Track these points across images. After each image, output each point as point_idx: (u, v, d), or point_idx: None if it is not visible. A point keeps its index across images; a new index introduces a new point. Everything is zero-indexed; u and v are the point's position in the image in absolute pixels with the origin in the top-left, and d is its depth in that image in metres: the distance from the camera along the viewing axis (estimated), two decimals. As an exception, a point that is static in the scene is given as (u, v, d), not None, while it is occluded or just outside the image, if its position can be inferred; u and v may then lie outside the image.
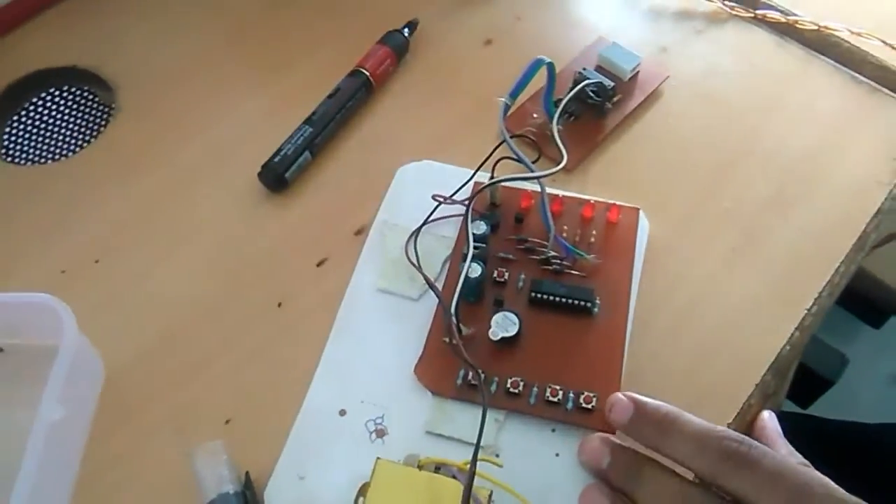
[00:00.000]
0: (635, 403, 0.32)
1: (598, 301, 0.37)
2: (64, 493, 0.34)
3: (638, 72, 0.46)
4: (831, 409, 0.66)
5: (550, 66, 0.40)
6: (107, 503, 0.34)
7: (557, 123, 0.41)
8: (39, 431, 0.32)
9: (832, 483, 0.29)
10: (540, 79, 0.40)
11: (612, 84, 0.44)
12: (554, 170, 0.38)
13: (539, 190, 0.38)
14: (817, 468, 0.30)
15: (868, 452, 0.56)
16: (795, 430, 0.62)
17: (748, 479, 0.29)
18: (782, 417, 0.50)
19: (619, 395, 0.33)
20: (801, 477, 0.29)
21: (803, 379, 0.70)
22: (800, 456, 0.35)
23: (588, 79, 0.43)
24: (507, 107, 0.38)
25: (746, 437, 0.30)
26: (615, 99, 0.44)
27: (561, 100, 0.42)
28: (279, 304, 0.39)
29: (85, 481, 0.35)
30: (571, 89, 0.43)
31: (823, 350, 0.75)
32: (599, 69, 0.45)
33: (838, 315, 0.77)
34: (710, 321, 0.38)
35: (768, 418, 0.37)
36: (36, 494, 0.31)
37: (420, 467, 0.31)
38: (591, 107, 0.44)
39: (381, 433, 0.35)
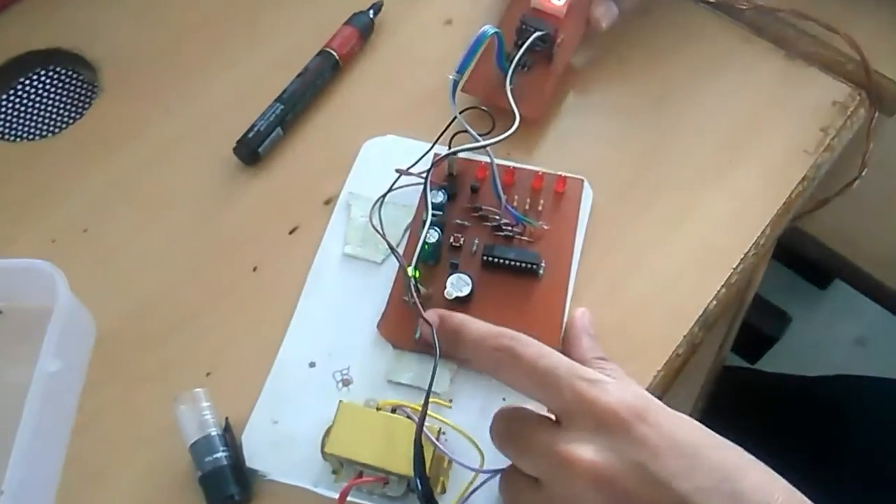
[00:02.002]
0: (439, 317, 0.36)
1: (543, 264, 0.41)
2: (62, 437, 0.38)
3: (570, 4, 0.47)
4: (777, 365, 0.71)
5: (498, 35, 0.43)
6: (100, 446, 0.38)
7: (511, 82, 0.44)
8: (39, 382, 0.35)
9: (581, 367, 0.33)
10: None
11: (555, 28, 0.46)
12: (499, 137, 0.40)
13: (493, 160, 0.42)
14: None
15: (805, 402, 0.61)
16: (741, 382, 0.67)
17: (514, 369, 0.33)
18: (729, 371, 0.55)
19: (430, 311, 0.37)
20: (553, 361, 0.33)
21: (750, 336, 0.75)
22: (600, 351, 0.37)
23: (530, 28, 0.46)
24: (456, 82, 0.41)
25: (518, 334, 0.34)
26: (559, 40, 0.47)
27: (513, 58, 0.45)
28: (254, 269, 0.43)
29: (80, 427, 0.39)
30: (519, 45, 0.45)
31: (768, 309, 0.80)
32: (535, 11, 0.47)
33: (786, 276, 0.82)
34: (645, 281, 0.42)
35: (578, 316, 0.39)
36: (37, 438, 0.35)
37: (378, 409, 0.35)
38: (540, 53, 0.47)
39: (346, 382, 0.39)
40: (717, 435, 0.32)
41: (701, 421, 0.33)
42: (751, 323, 0.69)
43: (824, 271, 0.78)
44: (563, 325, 0.40)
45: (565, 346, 0.38)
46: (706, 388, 0.60)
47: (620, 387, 0.32)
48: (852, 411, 0.61)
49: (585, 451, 0.30)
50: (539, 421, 0.33)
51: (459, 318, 0.36)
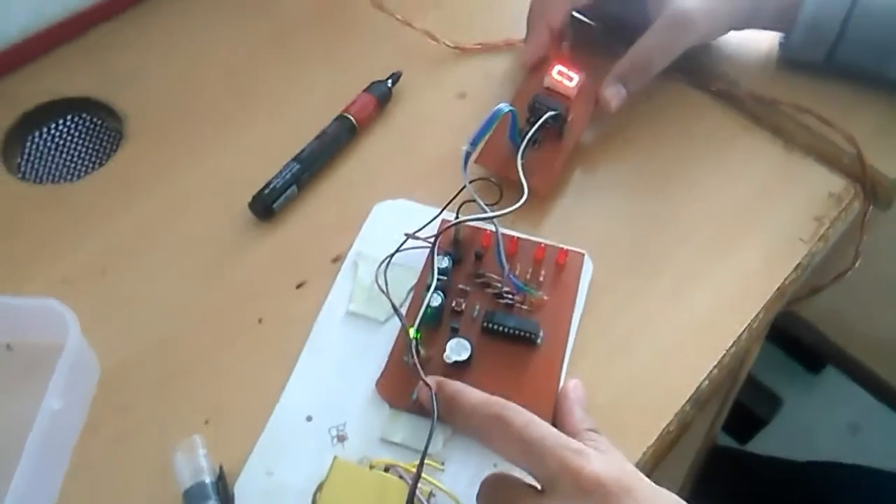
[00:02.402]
0: (437, 383, 0.38)
1: (541, 333, 0.42)
2: (58, 475, 0.38)
3: (581, 86, 0.50)
4: (767, 447, 0.71)
5: (512, 113, 0.45)
6: (95, 486, 0.39)
7: (522, 157, 0.46)
8: (43, 419, 0.36)
9: (568, 438, 0.33)
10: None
11: (566, 107, 0.48)
12: (507, 210, 0.42)
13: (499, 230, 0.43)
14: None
15: (795, 488, 0.61)
16: (731, 463, 0.67)
17: (503, 437, 0.34)
18: (719, 451, 0.55)
19: (430, 378, 0.38)
20: (541, 431, 0.34)
21: (741, 416, 0.75)
22: (591, 423, 0.38)
23: (542, 106, 0.48)
24: (469, 154, 0.43)
25: (509, 403, 0.35)
26: (570, 119, 0.49)
27: (526, 133, 0.47)
28: (260, 320, 0.44)
29: (77, 465, 0.39)
30: (531, 122, 0.48)
31: (760, 391, 0.80)
32: (547, 91, 0.50)
33: (779, 359, 0.83)
34: (640, 356, 0.43)
35: (571, 388, 0.40)
36: (36, 474, 0.35)
37: (371, 468, 0.36)
38: (551, 130, 0.49)
39: (341, 438, 0.40)
40: None
41: (688, 501, 0.33)
42: (742, 403, 0.69)
43: (817, 356, 0.79)
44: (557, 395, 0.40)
45: (557, 416, 0.39)
46: (696, 467, 0.60)
47: (605, 459, 0.33)
48: (843, 501, 0.61)
49: None
50: (524, 488, 0.34)
51: (455, 386, 0.37)
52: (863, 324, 0.67)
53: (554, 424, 0.35)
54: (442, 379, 0.38)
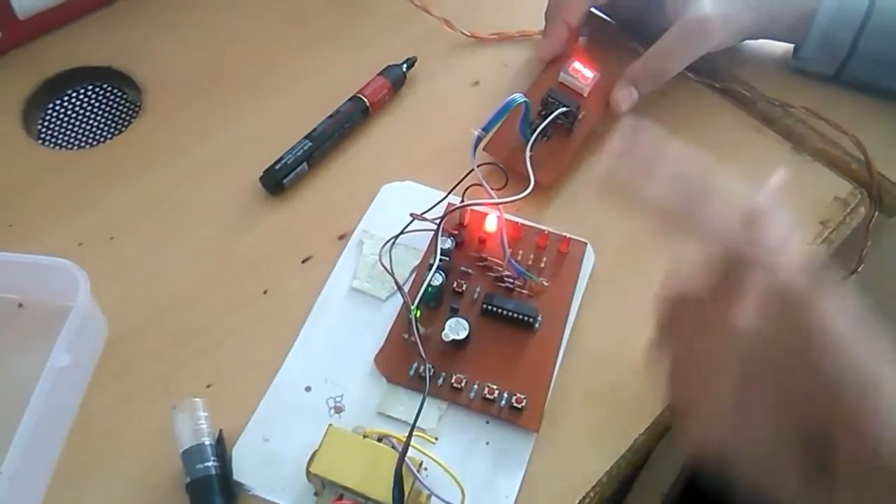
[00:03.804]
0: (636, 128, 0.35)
1: (539, 318, 0.43)
2: (62, 430, 0.40)
3: (595, 85, 0.51)
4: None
5: (526, 104, 0.45)
6: (97, 442, 0.40)
7: (531, 149, 0.47)
8: (49, 374, 0.37)
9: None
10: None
11: (578, 104, 0.49)
12: (512, 198, 0.43)
13: (503, 215, 0.44)
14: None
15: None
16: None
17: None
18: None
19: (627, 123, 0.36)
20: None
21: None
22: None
23: (555, 101, 0.49)
24: (479, 139, 0.44)
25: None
26: (581, 116, 0.50)
27: (537, 126, 0.48)
28: (265, 292, 0.45)
29: (80, 422, 0.40)
30: (543, 115, 0.48)
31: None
32: (561, 86, 0.51)
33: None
34: (636, 344, 0.43)
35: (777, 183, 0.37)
36: (39, 428, 0.36)
37: (365, 437, 0.37)
38: (561, 125, 0.50)
39: (338, 409, 0.41)
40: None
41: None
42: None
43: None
44: (553, 379, 0.41)
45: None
46: (689, 457, 0.60)
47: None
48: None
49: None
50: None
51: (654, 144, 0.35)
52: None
53: None
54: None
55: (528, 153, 0.46)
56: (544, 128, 0.48)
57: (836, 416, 0.29)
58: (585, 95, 0.51)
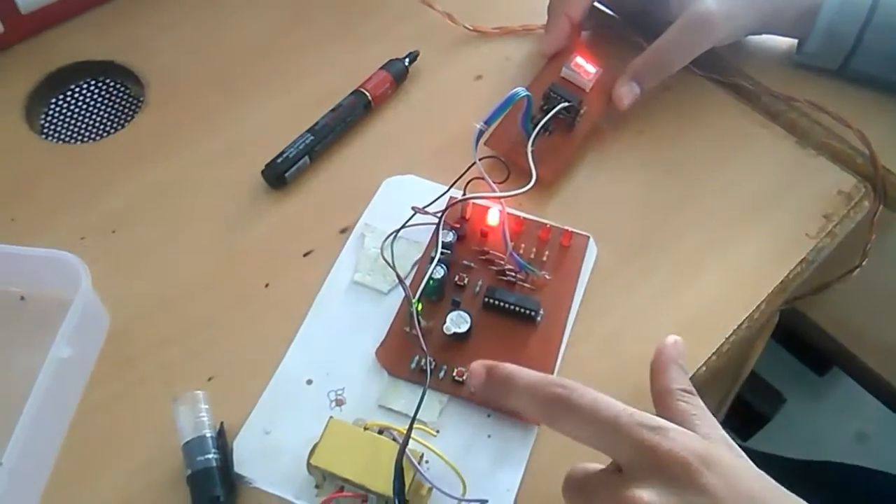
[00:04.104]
0: (486, 368, 0.37)
1: (541, 311, 0.43)
2: (63, 422, 0.40)
3: (598, 80, 0.51)
4: (770, 446, 0.71)
5: (528, 99, 0.45)
6: (99, 434, 0.40)
7: (533, 144, 0.47)
8: (50, 365, 0.37)
9: (641, 413, 0.32)
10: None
11: (580, 99, 0.49)
12: (513, 192, 0.43)
13: (505, 209, 0.44)
14: None
15: (794, 485, 0.60)
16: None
17: (571, 419, 0.33)
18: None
19: (475, 363, 0.37)
20: (612, 410, 0.32)
21: (742, 412, 0.74)
22: (686, 383, 0.37)
23: (557, 96, 0.48)
24: (482, 132, 0.44)
25: (570, 382, 0.34)
26: (583, 112, 0.50)
27: (539, 120, 0.48)
28: (266, 285, 0.45)
29: (81, 415, 0.40)
30: (545, 110, 0.48)
31: (762, 387, 0.80)
32: (564, 81, 0.51)
33: (785, 359, 0.83)
34: (638, 340, 0.43)
35: (670, 344, 0.39)
36: (40, 419, 0.36)
37: (366, 429, 0.37)
38: (563, 120, 0.49)
39: (340, 402, 0.40)
40: (782, 487, 0.32)
41: None
42: (744, 399, 0.69)
43: (824, 358, 0.78)
44: (555, 373, 0.41)
45: (653, 372, 0.38)
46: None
47: (684, 433, 0.32)
48: (845, 501, 0.60)
49: (648, 495, 0.30)
50: (604, 474, 0.33)
51: (507, 367, 0.36)
52: (871, 327, 0.66)
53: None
54: (490, 362, 0.37)
55: (529, 148, 0.46)
56: (546, 122, 0.48)
57: None
58: (587, 90, 0.51)
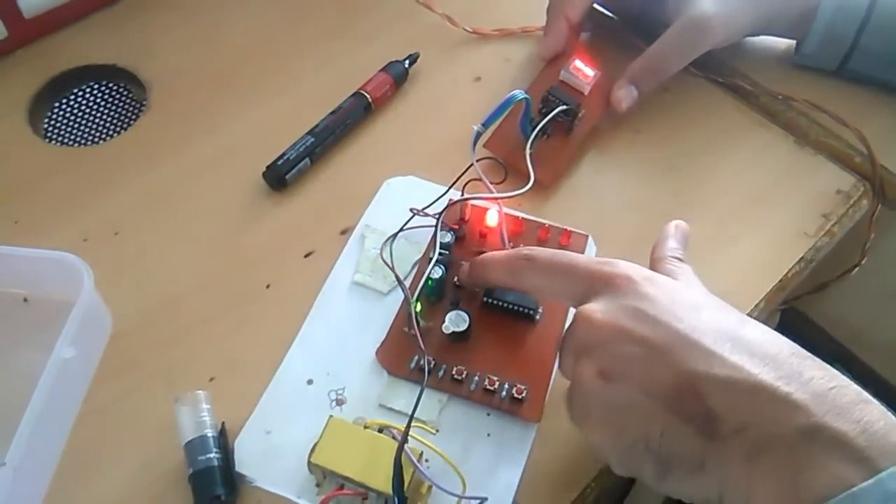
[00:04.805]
0: (468, 263, 0.42)
1: (540, 310, 0.43)
2: (66, 422, 0.40)
3: (596, 83, 0.51)
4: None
5: (527, 101, 0.46)
6: (100, 435, 0.40)
7: (531, 146, 0.47)
8: (53, 366, 0.38)
9: (594, 258, 0.37)
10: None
11: (578, 103, 0.49)
12: (511, 193, 0.43)
13: (503, 210, 0.44)
14: None
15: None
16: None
17: (535, 273, 0.38)
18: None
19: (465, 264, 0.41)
20: (567, 256, 0.37)
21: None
22: (679, 253, 0.39)
23: (556, 99, 0.49)
24: (479, 134, 0.44)
25: (536, 248, 0.39)
26: (581, 115, 0.50)
27: (537, 123, 0.48)
28: (267, 286, 0.45)
29: (84, 415, 0.41)
30: (543, 113, 0.48)
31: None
32: (562, 84, 0.51)
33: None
34: (637, 338, 0.44)
35: (673, 224, 0.41)
36: (44, 418, 0.37)
37: (366, 428, 0.37)
38: (561, 123, 0.50)
39: (340, 402, 0.41)
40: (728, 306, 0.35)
41: None
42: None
43: (823, 358, 0.78)
44: (553, 370, 0.41)
45: (654, 246, 0.40)
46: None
47: (632, 264, 0.35)
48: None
49: (594, 305, 0.34)
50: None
51: (484, 255, 0.41)
52: (872, 327, 0.66)
53: None
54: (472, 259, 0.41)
55: (528, 151, 0.47)
56: (544, 125, 0.48)
57: (705, 381, 0.30)
58: (586, 94, 0.51)
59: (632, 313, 0.33)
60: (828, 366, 0.31)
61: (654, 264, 0.39)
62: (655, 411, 0.31)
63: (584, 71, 0.51)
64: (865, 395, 0.30)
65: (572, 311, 0.43)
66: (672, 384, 0.31)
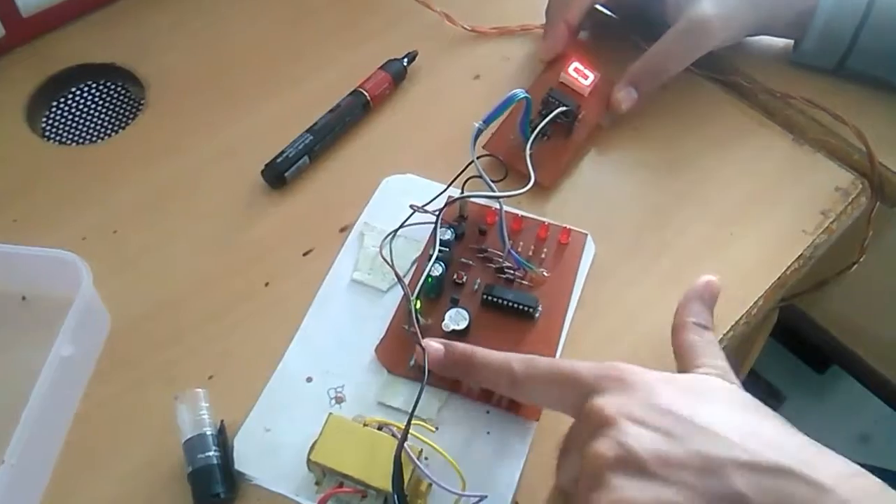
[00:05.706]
0: (444, 346, 0.39)
1: (539, 308, 0.43)
2: (65, 419, 0.40)
3: (595, 85, 0.51)
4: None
5: (527, 100, 0.46)
6: (100, 432, 0.40)
7: (531, 147, 0.47)
8: (52, 364, 0.37)
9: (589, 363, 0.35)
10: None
11: (578, 105, 0.49)
12: (511, 193, 0.43)
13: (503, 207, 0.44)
14: None
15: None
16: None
17: (533, 383, 0.36)
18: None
19: (432, 342, 0.39)
20: (567, 363, 0.35)
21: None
22: (703, 319, 0.38)
23: (555, 101, 0.49)
24: (480, 131, 0.44)
25: (532, 357, 0.37)
26: (580, 116, 0.50)
27: (537, 124, 0.48)
28: (266, 284, 0.45)
29: (83, 413, 0.41)
30: (543, 115, 0.48)
31: (761, 385, 0.80)
32: (562, 86, 0.51)
33: (784, 358, 0.83)
34: (636, 336, 0.44)
35: (702, 283, 0.40)
36: (43, 416, 0.37)
37: (365, 425, 0.37)
38: (561, 125, 0.50)
39: (339, 399, 0.41)
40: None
41: None
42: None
43: (822, 355, 0.78)
44: (553, 369, 0.41)
45: (677, 307, 0.39)
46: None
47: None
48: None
49: (603, 400, 0.32)
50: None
51: (464, 346, 0.39)
52: (871, 325, 0.66)
53: None
54: (447, 341, 0.39)
55: (527, 151, 0.47)
56: (544, 127, 0.48)
57: (731, 465, 0.30)
58: (586, 95, 0.51)
59: (647, 407, 0.32)
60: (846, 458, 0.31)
61: (676, 331, 0.38)
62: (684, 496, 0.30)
63: (583, 72, 0.51)
64: (885, 485, 0.30)
65: (571, 312, 0.44)
66: (698, 466, 0.30)
